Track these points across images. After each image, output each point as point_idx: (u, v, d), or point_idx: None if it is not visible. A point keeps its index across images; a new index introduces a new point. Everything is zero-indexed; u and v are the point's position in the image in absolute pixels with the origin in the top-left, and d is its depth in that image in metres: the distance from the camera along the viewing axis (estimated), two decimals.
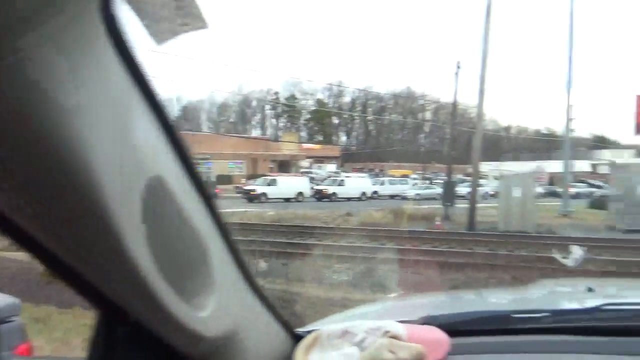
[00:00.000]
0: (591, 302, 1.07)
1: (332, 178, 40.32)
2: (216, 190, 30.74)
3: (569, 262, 5.80)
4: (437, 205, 20.25)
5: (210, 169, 47.38)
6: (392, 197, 35.29)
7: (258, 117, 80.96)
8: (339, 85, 66.26)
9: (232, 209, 21.25)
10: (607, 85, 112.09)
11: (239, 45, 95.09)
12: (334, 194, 33.96)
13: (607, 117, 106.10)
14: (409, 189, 36.51)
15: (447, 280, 8.18)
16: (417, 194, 32.50)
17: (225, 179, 42.10)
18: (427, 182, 43.47)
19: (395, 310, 1.33)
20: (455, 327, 1.00)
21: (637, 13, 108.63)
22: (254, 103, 77.92)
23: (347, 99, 78.32)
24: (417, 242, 12.65)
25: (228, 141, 47.97)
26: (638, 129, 21.96)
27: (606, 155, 54.10)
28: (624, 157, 37.23)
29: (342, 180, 36.76)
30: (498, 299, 1.58)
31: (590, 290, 1.33)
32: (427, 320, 1.03)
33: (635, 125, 21.90)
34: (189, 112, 71.60)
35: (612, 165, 18.25)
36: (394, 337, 0.87)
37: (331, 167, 57.04)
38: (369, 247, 11.39)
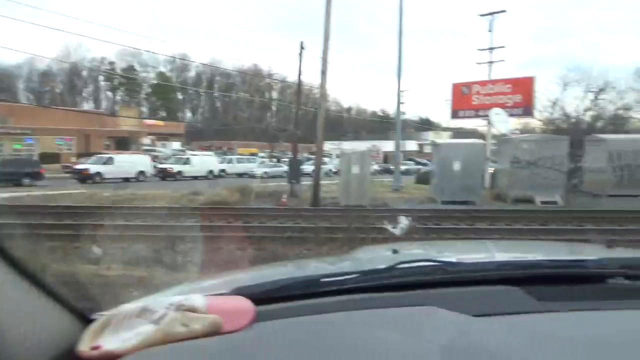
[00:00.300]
0: (391, 262, 1.16)
1: (177, 156, 38.61)
2: (41, 171, 27.24)
3: (397, 230, 6.46)
4: (284, 183, 20.77)
5: (33, 146, 41.54)
6: (240, 175, 35.21)
7: (90, 88, 73.12)
8: (183, 59, 63.09)
9: (60, 190, 19.01)
10: (432, 73, 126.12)
11: (65, 5, 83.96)
12: (179, 172, 32.63)
13: (431, 102, 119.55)
14: (257, 168, 36.84)
15: (293, 253, 8.47)
16: (265, 172, 32.97)
17: (51, 158, 37.34)
18: (275, 160, 44.31)
19: (211, 286, 1.31)
20: (265, 295, 1.02)
21: (458, 10, 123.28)
22: (85, 73, 70.08)
23: (192, 73, 75.10)
24: (264, 218, 12.84)
25: (54, 114, 42.33)
26: (453, 114, 25.18)
27: (430, 136, 61.31)
28: (443, 138, 42.47)
29: (188, 158, 35.48)
30: (315, 266, 1.66)
31: (395, 251, 1.48)
32: (238, 291, 1.03)
33: (451, 111, 25.04)
34: (1, 79, 61.50)
35: (433, 145, 20.63)
36: (190, 309, 0.84)
37: (176, 145, 54.47)
38: (215, 225, 11.20)
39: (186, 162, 34.44)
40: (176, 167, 33.20)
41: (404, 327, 0.92)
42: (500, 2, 38.67)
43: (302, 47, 21.59)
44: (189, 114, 77.23)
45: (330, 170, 35.41)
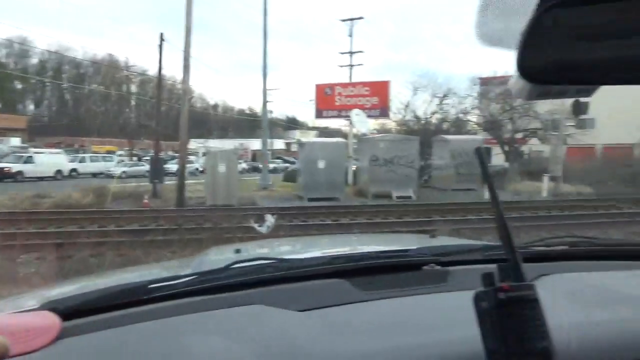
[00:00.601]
0: (227, 262, 1.15)
1: (16, 154, 33.97)
2: None
3: (262, 229, 6.49)
4: (146, 183, 19.57)
5: None
6: (94, 175, 32.31)
7: None
8: (22, 44, 55.67)
9: None
10: (299, 73, 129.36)
11: None
12: (19, 172, 28.81)
13: (298, 101, 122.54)
14: (115, 167, 34.11)
15: (155, 257, 8.00)
16: (124, 172, 30.68)
17: None
18: (135, 159, 41.56)
19: (25, 301, 1.18)
20: (78, 307, 0.94)
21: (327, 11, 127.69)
22: None
23: (34, 60, 66.73)
24: (123, 222, 11.96)
25: None
26: (318, 114, 26.12)
27: (297, 135, 62.82)
28: (310, 137, 43.83)
29: (31, 156, 31.43)
30: (148, 272, 1.59)
31: (237, 251, 1.48)
32: (46, 306, 0.93)
33: (315, 110, 25.96)
34: None
35: (299, 143, 21.17)
36: None
37: (15, 141, 47.96)
38: (64, 231, 10.12)
39: (28, 160, 30.53)
40: (15, 167, 29.26)
41: (228, 329, 0.92)
42: (360, 10, 40.98)
43: (162, 39, 20.55)
44: (31, 107, 68.51)
45: (197, 169, 34.30)
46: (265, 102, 23.80)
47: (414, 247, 1.32)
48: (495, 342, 0.72)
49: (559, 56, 0.58)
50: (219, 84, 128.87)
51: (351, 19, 27.04)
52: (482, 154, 0.92)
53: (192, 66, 16.28)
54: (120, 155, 44.28)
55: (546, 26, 0.55)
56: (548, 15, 0.55)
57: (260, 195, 19.20)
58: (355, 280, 1.10)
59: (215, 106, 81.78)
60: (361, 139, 22.79)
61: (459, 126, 28.13)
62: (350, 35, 27.10)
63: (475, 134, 27.71)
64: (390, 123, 28.42)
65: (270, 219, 6.63)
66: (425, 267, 1.18)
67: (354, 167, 22.61)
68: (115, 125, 62.39)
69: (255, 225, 6.95)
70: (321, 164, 17.84)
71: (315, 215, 13.30)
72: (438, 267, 1.18)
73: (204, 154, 22.33)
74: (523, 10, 0.55)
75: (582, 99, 19.62)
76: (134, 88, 70.44)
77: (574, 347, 0.84)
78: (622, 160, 24.72)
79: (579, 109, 20.71)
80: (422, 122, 26.75)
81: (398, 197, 18.12)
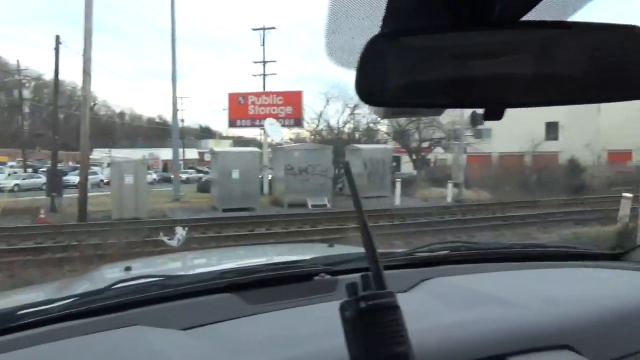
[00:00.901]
0: (111, 282, 1.11)
1: None
2: None
3: (173, 242, 6.21)
4: (43, 197, 18.01)
5: None
6: None
7: None
8: None
9: None
10: (212, 81, 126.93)
11: None
12: None
13: (211, 110, 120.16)
14: (6, 179, 31.04)
15: (51, 276, 7.35)
16: (17, 185, 28.08)
17: None
18: (30, 170, 38.20)
19: None
20: None
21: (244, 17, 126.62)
22: None
23: None
24: (15, 239, 10.91)
25: None
26: (231, 123, 25.77)
27: (211, 144, 61.42)
28: (224, 146, 43.06)
29: None
30: (25, 296, 1.48)
31: (127, 269, 1.41)
32: None
33: (228, 120, 25.60)
34: None
35: (212, 153, 20.72)
36: None
37: None
38: None
39: None
40: None
41: (102, 353, 0.88)
42: (273, 20, 41.26)
43: (57, 42, 19.16)
44: None
45: (101, 180, 32.22)
46: (175, 110, 23.02)
47: (308, 258, 1.33)
48: (357, 349, 0.74)
49: (393, 80, 0.62)
50: (126, 91, 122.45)
51: (263, 29, 27.11)
52: (349, 168, 0.98)
53: (94, 71, 15.31)
54: (12, 167, 40.46)
55: (380, 51, 0.59)
56: (382, 41, 0.59)
57: (171, 207, 18.45)
58: (244, 294, 1.09)
59: (122, 114, 77.63)
60: (275, 148, 22.80)
61: (370, 135, 29.17)
62: (263, 45, 27.15)
63: (385, 143, 28.89)
64: (304, 132, 28.79)
65: (180, 232, 6.37)
66: (316, 278, 1.18)
67: (269, 177, 22.54)
68: (6, 134, 56.78)
69: (165, 239, 6.65)
70: (235, 174, 17.58)
71: (229, 226, 13.04)
72: (328, 277, 1.19)
73: (109, 165, 21.07)
74: (368, 34, 0.59)
75: (478, 111, 21.31)
76: (27, 93, 64.66)
77: (437, 348, 0.89)
78: (515, 167, 27.10)
79: (476, 120, 22.41)
80: (335, 131, 27.39)
81: (313, 206, 18.32)
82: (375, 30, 0.58)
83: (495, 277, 1.32)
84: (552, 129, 33.44)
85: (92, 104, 18.06)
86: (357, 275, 1.20)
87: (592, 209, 15.34)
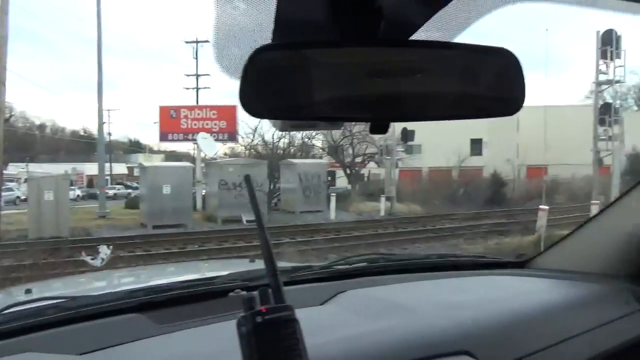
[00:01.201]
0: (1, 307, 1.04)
1: None
2: None
3: (96, 262, 5.88)
4: None
5: None
6: None
7: None
8: None
9: None
10: (143, 94, 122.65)
11: None
12: None
13: (141, 123, 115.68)
14: None
15: None
16: None
17: None
18: None
19: None
20: None
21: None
22: None
23: None
24: None
25: None
26: (162, 137, 25.01)
27: (141, 158, 59.10)
28: (155, 161, 41.59)
29: None
30: None
31: (28, 291, 1.34)
32: None
33: (159, 134, 24.82)
34: None
35: (142, 167, 19.96)
36: None
37: None
38: None
39: None
40: None
41: None
42: (207, 33, 40.80)
43: None
44: None
45: (18, 197, 29.98)
46: (101, 123, 22.01)
47: (225, 274, 1.30)
48: None
49: (276, 93, 0.63)
50: (48, 102, 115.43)
51: (196, 42, 26.68)
52: (250, 183, 0.97)
53: (10, 81, 14.29)
54: None
55: (263, 64, 0.60)
56: (266, 54, 0.60)
57: (97, 224, 17.49)
58: (154, 313, 1.05)
59: (43, 126, 72.94)
60: (209, 163, 22.35)
61: (305, 150, 29.36)
62: (196, 58, 26.69)
63: (320, 157, 29.19)
64: (239, 147, 28.47)
65: (105, 251, 6.03)
66: (230, 294, 1.16)
67: (203, 192, 22.02)
68: None
69: (88, 259, 6.27)
70: (166, 189, 17.03)
71: (160, 243, 12.57)
72: (243, 293, 1.18)
73: (26, 180, 19.68)
74: (256, 47, 0.60)
75: (409, 127, 22.16)
76: None
77: (341, 358, 0.90)
78: (444, 181, 28.34)
79: (406, 136, 23.28)
80: (270, 146, 27.34)
81: (248, 221, 18.06)
82: (266, 42, 0.59)
83: (407, 288, 1.36)
84: (476, 145, 35.37)
85: (7, 115, 16.83)
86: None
87: (514, 221, 16.33)
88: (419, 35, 0.65)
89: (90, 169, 43.19)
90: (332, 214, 19.49)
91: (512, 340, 1.08)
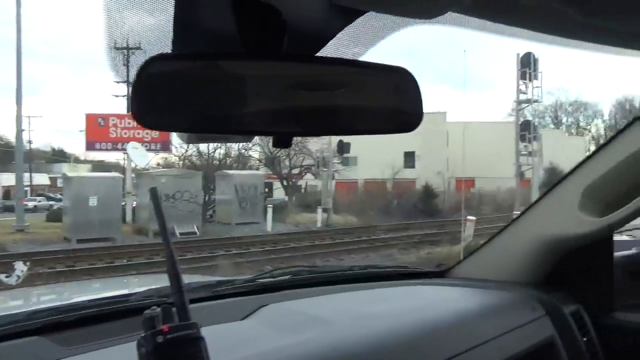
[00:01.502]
0: None
1: None
2: None
3: (10, 280, 5.43)
4: None
5: None
6: None
7: None
8: None
9: None
10: (67, 100, 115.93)
11: None
12: None
13: (66, 132, 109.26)
14: None
15: None
16: None
17: None
18: None
19: None
20: None
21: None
22: None
23: None
24: None
25: None
26: (89, 146, 23.78)
27: (65, 168, 55.72)
28: (81, 171, 39.40)
29: None
30: None
31: None
32: None
33: (86, 143, 23.60)
34: None
35: (65, 178, 18.88)
36: None
37: None
38: None
39: None
40: None
41: None
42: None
43: None
44: None
45: None
46: (19, 130, 20.57)
47: (142, 290, 1.25)
48: None
49: (171, 104, 0.62)
50: None
51: (127, 48, 25.69)
52: (156, 195, 0.92)
53: None
54: None
55: (152, 75, 0.59)
56: (159, 64, 0.59)
57: (13, 239, 16.24)
58: (58, 335, 0.99)
59: None
60: (140, 173, 21.50)
61: (242, 162, 29.02)
62: (127, 65, 25.59)
63: (257, 169, 28.96)
64: (172, 157, 27.63)
65: (20, 268, 5.61)
66: (146, 311, 1.12)
67: (134, 204, 21.10)
68: None
69: (2, 276, 5.79)
70: (93, 201, 16.16)
71: (84, 258, 11.88)
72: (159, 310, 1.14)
73: None
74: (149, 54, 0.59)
75: (345, 140, 22.56)
76: None
77: None
78: (378, 193, 29.02)
79: (342, 148, 23.69)
80: (206, 157, 26.77)
81: (181, 234, 17.52)
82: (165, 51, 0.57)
83: (328, 300, 1.37)
84: (409, 158, 36.60)
85: None
86: (196, 305, 1.15)
87: (445, 231, 17.00)
88: (327, 50, 0.67)
89: (8, 179, 40.16)
90: (269, 226, 19.34)
91: (426, 348, 1.11)
